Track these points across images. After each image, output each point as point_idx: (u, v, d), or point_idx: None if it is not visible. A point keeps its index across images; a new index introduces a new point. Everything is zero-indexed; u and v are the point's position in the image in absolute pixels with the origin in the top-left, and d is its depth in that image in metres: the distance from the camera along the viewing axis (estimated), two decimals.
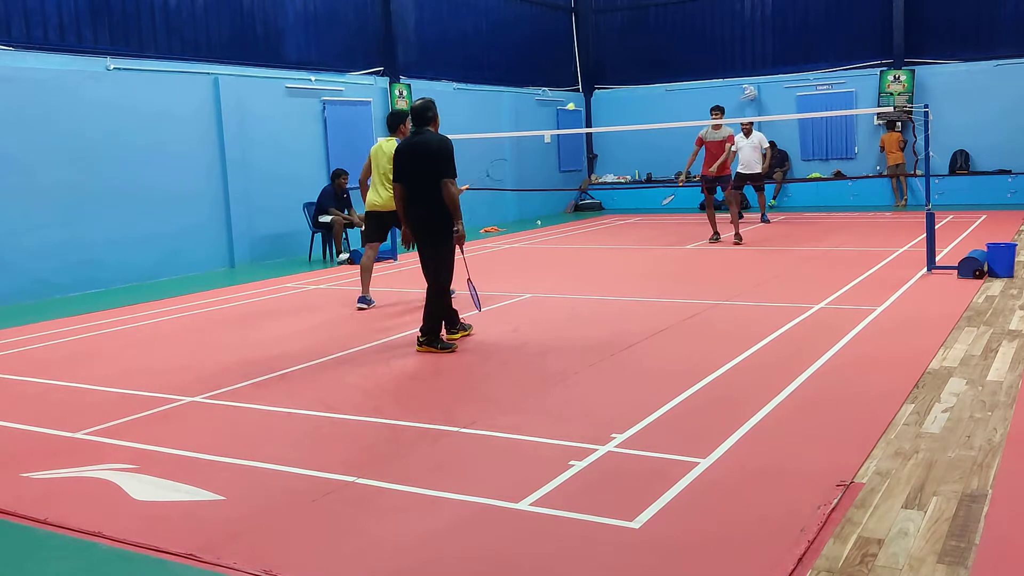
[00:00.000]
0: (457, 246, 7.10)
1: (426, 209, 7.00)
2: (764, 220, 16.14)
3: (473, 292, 7.60)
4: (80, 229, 11.41)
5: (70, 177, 11.30)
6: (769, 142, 19.62)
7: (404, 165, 7.08)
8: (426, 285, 7.23)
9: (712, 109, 13.64)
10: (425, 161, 6.93)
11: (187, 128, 12.79)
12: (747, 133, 15.54)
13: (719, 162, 13.38)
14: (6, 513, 4.22)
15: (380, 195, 9.03)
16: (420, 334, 7.19)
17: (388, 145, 8.98)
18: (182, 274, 12.64)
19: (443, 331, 7.34)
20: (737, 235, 13.38)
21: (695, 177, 14.01)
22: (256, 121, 13.77)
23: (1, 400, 6.37)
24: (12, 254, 10.72)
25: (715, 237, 13.65)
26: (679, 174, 14.14)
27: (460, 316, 7.60)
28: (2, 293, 10.60)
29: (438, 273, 7.10)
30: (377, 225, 9.30)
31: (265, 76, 14.03)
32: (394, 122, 8.90)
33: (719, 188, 13.78)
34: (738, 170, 15.51)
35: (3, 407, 6.15)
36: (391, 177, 7.87)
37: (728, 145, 13.42)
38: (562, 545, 3.61)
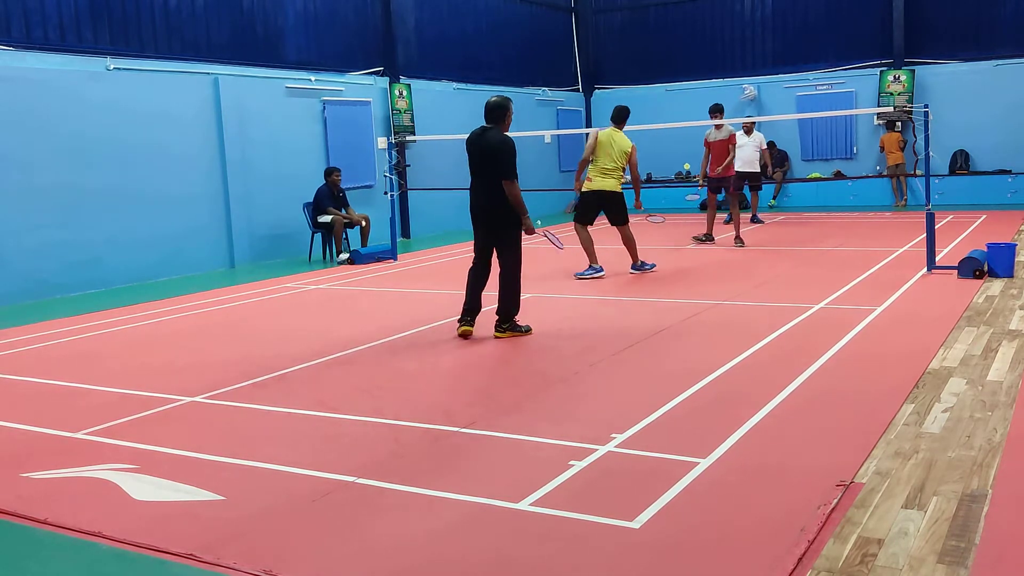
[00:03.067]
0: (525, 232, 7.61)
1: (487, 202, 7.39)
2: (755, 220, 16.05)
3: (552, 238, 9.10)
4: (80, 229, 11.41)
5: (70, 177, 11.29)
6: (768, 142, 19.63)
7: (471, 154, 7.50)
8: (477, 274, 7.60)
9: (712, 110, 13.63)
10: (488, 159, 7.32)
11: (187, 128, 12.79)
12: (748, 131, 15.59)
13: (726, 162, 13.49)
14: (6, 513, 4.21)
15: (595, 180, 10.56)
16: (498, 321, 7.47)
17: (617, 136, 10.65)
18: (182, 274, 12.64)
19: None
20: (738, 238, 13.25)
21: (696, 177, 14.02)
22: (256, 121, 13.77)
23: (1, 400, 6.37)
24: (12, 254, 10.72)
25: (707, 237, 13.58)
26: (681, 174, 14.21)
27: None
28: (2, 293, 10.60)
29: (505, 261, 7.46)
30: (590, 207, 10.66)
31: (265, 76, 14.03)
32: (620, 116, 10.82)
33: (723, 189, 13.79)
34: (738, 168, 15.58)
35: (3, 407, 6.15)
36: (605, 165, 10.50)
37: (731, 145, 13.46)
38: (562, 545, 3.60)
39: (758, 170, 15.64)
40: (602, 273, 10.53)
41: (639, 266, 10.86)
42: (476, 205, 7.50)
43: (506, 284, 7.47)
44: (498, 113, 7.38)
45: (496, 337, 7.48)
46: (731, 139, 13.43)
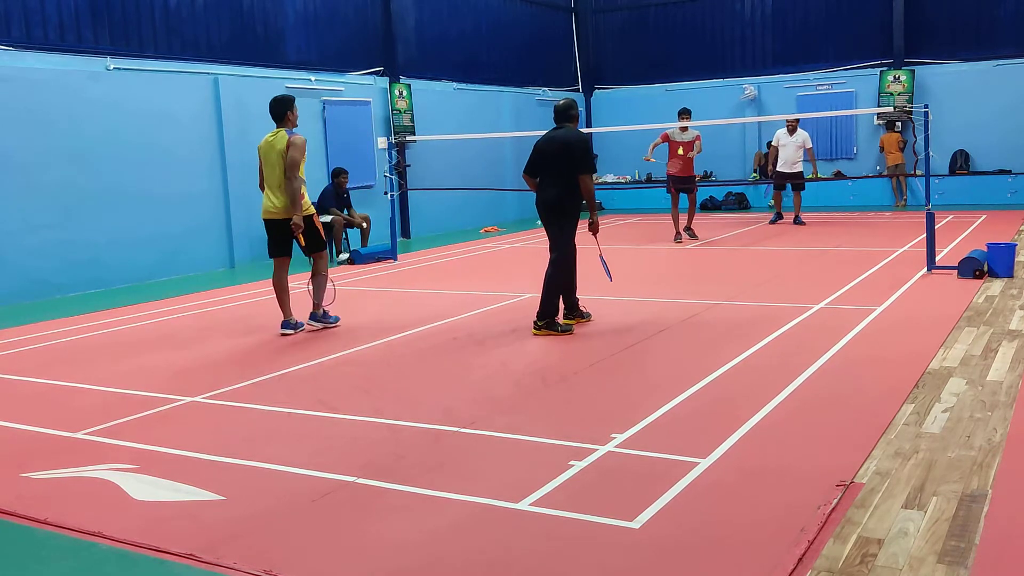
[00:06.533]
0: (593, 234, 7.79)
1: (556, 193, 7.49)
2: (798, 222, 15.52)
3: (604, 265, 8.16)
4: (80, 229, 11.41)
5: (70, 177, 11.29)
6: (768, 142, 19.63)
7: (544, 154, 7.55)
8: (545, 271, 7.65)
9: (680, 112, 13.97)
10: (565, 152, 7.43)
11: (187, 128, 12.79)
12: (791, 130, 15.46)
13: (692, 158, 13.83)
14: (6, 513, 4.22)
15: (273, 201, 7.92)
16: (537, 318, 7.48)
17: (280, 141, 7.84)
18: (182, 274, 12.64)
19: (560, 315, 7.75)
20: (689, 230, 14.02)
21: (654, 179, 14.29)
22: (256, 121, 13.70)
23: (1, 400, 6.37)
24: (12, 254, 10.71)
25: (679, 237, 13.90)
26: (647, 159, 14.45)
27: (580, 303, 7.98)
28: (2, 293, 10.60)
29: (557, 249, 7.59)
30: (280, 237, 8.04)
31: (265, 76, 14.02)
32: (281, 110, 7.92)
33: (687, 189, 13.99)
34: (779, 168, 15.58)
35: (3, 407, 6.15)
36: (270, 181, 7.85)
37: (696, 143, 13.77)
38: (562, 545, 3.60)
39: (801, 170, 15.56)
40: (302, 328, 8.19)
41: (322, 316, 8.22)
42: (542, 200, 7.61)
43: (550, 278, 7.55)
44: (571, 113, 7.64)
45: (533, 334, 7.48)
46: (696, 138, 13.78)
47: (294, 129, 7.99)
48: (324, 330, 8.13)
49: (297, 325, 8.14)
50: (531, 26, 20.65)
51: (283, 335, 7.99)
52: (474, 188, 17.03)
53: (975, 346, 6.46)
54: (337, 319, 8.32)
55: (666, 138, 13.86)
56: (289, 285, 8.23)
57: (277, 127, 7.95)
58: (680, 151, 13.68)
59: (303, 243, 7.95)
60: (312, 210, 8.07)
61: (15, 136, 10.77)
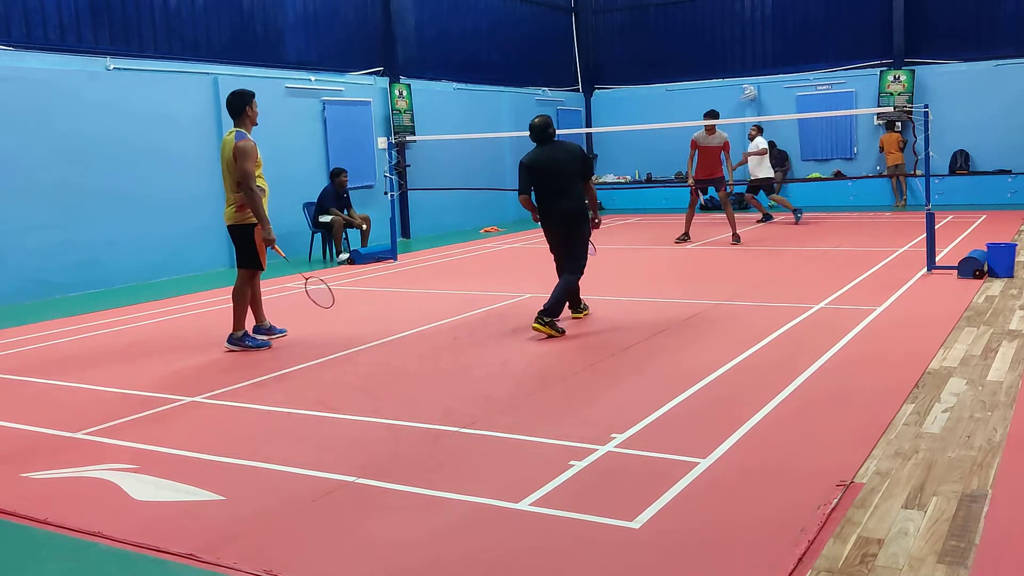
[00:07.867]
0: (594, 229, 8.03)
1: (573, 204, 7.77)
2: (766, 219, 16.03)
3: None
4: (80, 229, 11.41)
5: (70, 177, 11.29)
6: (768, 142, 19.71)
7: (546, 170, 7.69)
8: (562, 272, 7.88)
9: (706, 114, 13.69)
10: (573, 163, 7.79)
11: (187, 128, 12.78)
12: (751, 139, 15.70)
13: (734, 166, 13.63)
14: (6, 513, 4.21)
15: (226, 207, 7.48)
16: (543, 313, 7.50)
17: (229, 145, 7.40)
18: (182, 274, 12.63)
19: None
20: (735, 235, 13.43)
21: (683, 176, 14.10)
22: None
23: (1, 400, 6.37)
24: (12, 254, 10.71)
25: (684, 237, 13.78)
26: (681, 174, 14.30)
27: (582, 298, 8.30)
28: (2, 293, 10.60)
29: (578, 259, 7.90)
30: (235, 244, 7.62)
31: (265, 76, 14.02)
32: (239, 104, 7.45)
33: (711, 188, 13.86)
34: (761, 175, 15.79)
35: (3, 407, 6.15)
36: (225, 188, 7.39)
37: (724, 152, 13.50)
38: (562, 545, 3.60)
39: (760, 176, 15.66)
40: (268, 346, 7.64)
41: (239, 339, 7.54)
42: (558, 213, 7.78)
43: (567, 282, 7.76)
44: (550, 131, 7.85)
45: (533, 328, 7.43)
46: (725, 146, 13.48)
47: (252, 129, 7.52)
48: (280, 341, 7.77)
49: (261, 344, 7.63)
50: (531, 26, 20.66)
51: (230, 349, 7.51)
52: (474, 188, 17.03)
53: (975, 346, 6.46)
54: (261, 343, 7.57)
55: (695, 145, 13.50)
56: (261, 292, 7.90)
57: (234, 125, 7.40)
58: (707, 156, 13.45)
59: (282, 253, 7.88)
60: (242, 218, 7.37)
61: (15, 136, 10.77)
